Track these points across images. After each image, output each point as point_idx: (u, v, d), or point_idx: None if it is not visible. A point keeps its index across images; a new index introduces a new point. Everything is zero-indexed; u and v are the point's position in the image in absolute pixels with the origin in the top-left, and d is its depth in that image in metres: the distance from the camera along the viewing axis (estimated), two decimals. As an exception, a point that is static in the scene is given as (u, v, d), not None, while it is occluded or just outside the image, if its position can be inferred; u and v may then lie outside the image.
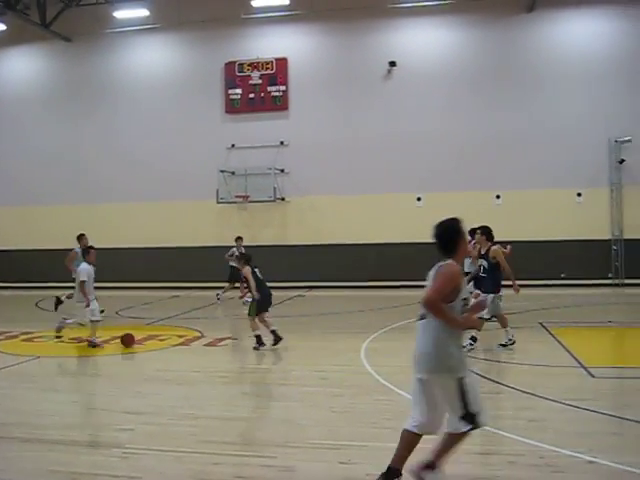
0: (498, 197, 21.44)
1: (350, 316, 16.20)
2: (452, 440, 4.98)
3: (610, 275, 20.58)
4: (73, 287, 15.41)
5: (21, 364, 10.40)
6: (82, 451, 6.16)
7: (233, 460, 5.86)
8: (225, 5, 22.55)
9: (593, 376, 8.76)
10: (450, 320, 4.82)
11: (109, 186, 23.67)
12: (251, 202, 22.30)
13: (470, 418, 4.83)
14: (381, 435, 6.45)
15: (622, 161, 20.65)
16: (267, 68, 23.00)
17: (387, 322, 13.81)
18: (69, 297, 15.40)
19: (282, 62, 22.88)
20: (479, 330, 10.38)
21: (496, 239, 11.60)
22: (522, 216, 20.47)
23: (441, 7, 21.71)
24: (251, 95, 23.09)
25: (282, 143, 22.70)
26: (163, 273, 22.76)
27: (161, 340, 12.45)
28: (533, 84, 21.26)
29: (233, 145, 22.98)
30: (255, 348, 11.11)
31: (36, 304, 19.31)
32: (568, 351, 10.39)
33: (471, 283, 11.89)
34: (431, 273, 5.06)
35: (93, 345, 11.54)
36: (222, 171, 22.36)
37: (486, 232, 11.42)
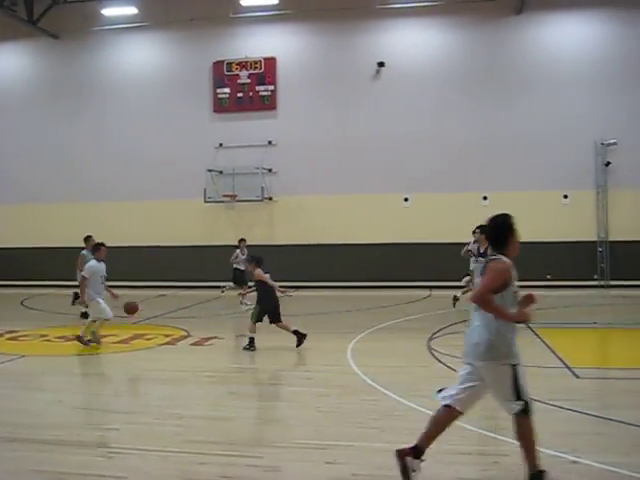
0: (485, 198, 21.52)
1: (337, 316, 16.22)
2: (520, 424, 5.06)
3: (595, 276, 20.72)
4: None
5: (6, 363, 10.34)
6: (68, 451, 6.13)
7: (219, 460, 5.86)
8: (214, 4, 22.50)
9: (578, 377, 8.82)
10: (500, 313, 4.93)
11: (95, 185, 23.56)
12: (239, 201, 22.29)
13: (521, 404, 4.98)
14: (367, 435, 6.46)
15: (608, 163, 20.82)
16: (255, 67, 22.98)
17: (374, 322, 13.84)
18: (82, 303, 15.37)
19: (271, 62, 22.87)
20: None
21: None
22: (509, 217, 20.55)
23: (430, 8, 21.76)
24: (239, 94, 23.07)
25: (270, 143, 22.69)
26: (149, 272, 22.67)
27: (147, 339, 12.42)
28: (521, 86, 21.37)
29: (221, 144, 22.94)
30: (245, 348, 11.08)
31: (21, 302, 19.17)
32: (553, 352, 10.45)
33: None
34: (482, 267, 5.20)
35: (82, 342, 11.39)
36: (210, 170, 22.34)
37: (485, 230, 11.48)
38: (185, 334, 12.90)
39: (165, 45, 23.81)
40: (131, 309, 11.98)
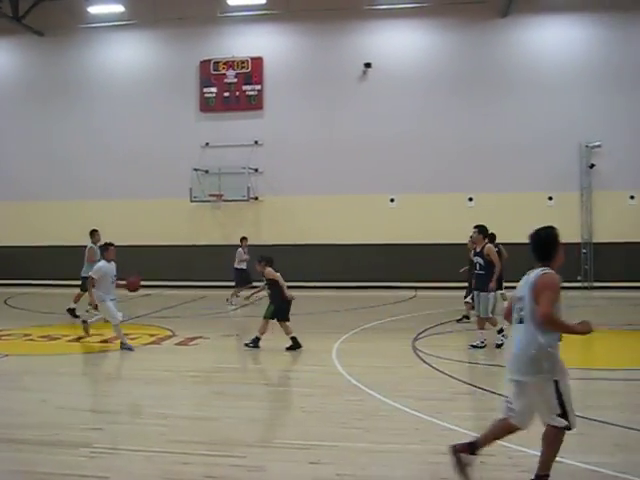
0: (471, 199, 21.63)
1: (323, 316, 16.23)
2: (551, 436, 5.06)
3: (579, 278, 20.85)
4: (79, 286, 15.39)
5: (-12, 362, 10.26)
6: (49, 451, 6.09)
7: (203, 460, 5.84)
8: (201, 3, 22.43)
9: (561, 377, 8.86)
10: (566, 328, 4.95)
11: (81, 183, 23.41)
12: (224, 201, 22.24)
13: (566, 418, 4.96)
14: (351, 435, 6.47)
15: (592, 166, 20.97)
16: (242, 67, 22.95)
17: (359, 323, 13.86)
18: (76, 300, 15.29)
19: (258, 61, 22.84)
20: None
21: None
22: (494, 218, 20.48)
23: (417, 10, 21.82)
24: (226, 94, 23.02)
25: (256, 142, 22.66)
26: (134, 271, 22.47)
27: (132, 339, 12.32)
28: (506, 89, 21.49)
29: (207, 144, 22.88)
30: (247, 345, 10.99)
31: (5, 301, 19.02)
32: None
33: None
34: (528, 279, 5.10)
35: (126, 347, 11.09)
36: (196, 170, 22.27)
37: (482, 231, 11.62)
38: (170, 334, 12.85)
39: (152, 44, 23.71)
40: (132, 285, 11.64)
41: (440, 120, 21.68)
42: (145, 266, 22.56)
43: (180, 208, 22.61)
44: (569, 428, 5.00)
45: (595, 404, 7.85)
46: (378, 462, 5.78)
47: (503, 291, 14.85)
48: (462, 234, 20.69)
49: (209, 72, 23.07)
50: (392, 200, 22.10)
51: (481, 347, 10.96)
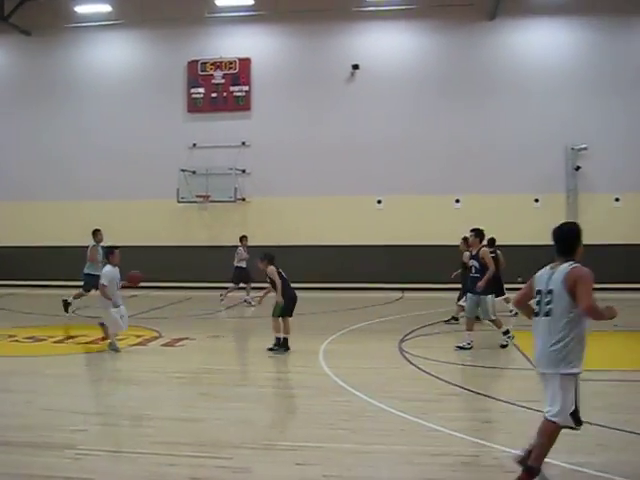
0: (457, 201, 21.72)
1: (310, 317, 16.20)
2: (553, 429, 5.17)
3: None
4: (79, 286, 15.26)
5: (-28, 363, 10.19)
6: (34, 452, 6.04)
7: (188, 461, 5.82)
8: (188, 3, 22.39)
9: (546, 378, 8.91)
10: (603, 317, 5.05)
11: (67, 183, 23.31)
12: (212, 202, 22.19)
13: (576, 415, 5.14)
14: (337, 436, 6.48)
15: (578, 168, 21.12)
16: (230, 68, 22.93)
17: (346, 324, 13.86)
18: (76, 297, 15.16)
19: (245, 62, 22.83)
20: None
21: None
22: (481, 220, 20.43)
23: (405, 12, 21.88)
24: (213, 94, 22.99)
25: (244, 143, 22.64)
26: (121, 272, 22.39)
27: (118, 340, 12.23)
28: (494, 91, 21.60)
29: (195, 144, 22.83)
30: (270, 349, 10.80)
31: (-11, 302, 18.91)
32: (522, 353, 10.55)
33: None
34: (553, 273, 5.18)
35: (114, 349, 10.91)
36: (183, 170, 22.22)
37: (478, 234, 11.68)
38: (157, 335, 12.80)
39: (139, 44, 23.65)
40: (132, 279, 11.38)
41: (427, 122, 21.75)
42: (131, 267, 22.50)
43: (167, 209, 22.54)
44: (578, 427, 5.19)
45: (582, 405, 7.89)
46: (364, 463, 5.80)
47: (507, 295, 14.99)
48: (449, 236, 20.82)
49: (197, 73, 23.03)
50: (379, 202, 22.15)
51: (467, 349, 11.00)
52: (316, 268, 21.55)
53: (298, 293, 11.10)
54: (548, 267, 5.27)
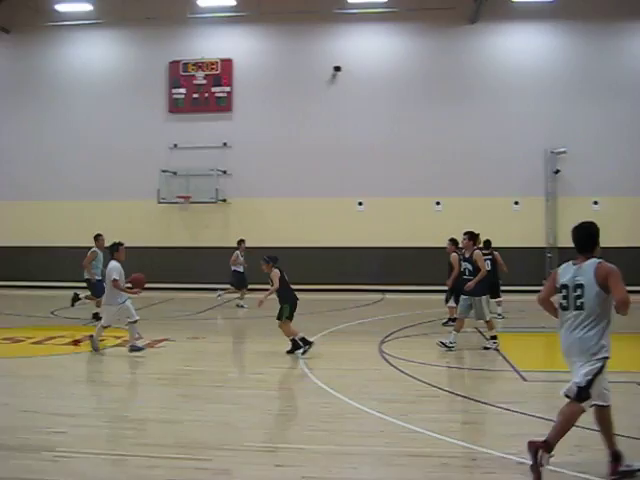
0: (438, 204, 21.82)
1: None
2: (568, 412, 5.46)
3: (544, 282, 21.06)
4: (83, 287, 15.14)
5: (-51, 365, 10.07)
6: (12, 455, 5.99)
7: (168, 463, 5.80)
8: (170, 3, 22.28)
9: (525, 380, 9.00)
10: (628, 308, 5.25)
11: (46, 183, 23.10)
12: (192, 203, 22.11)
13: (583, 393, 5.33)
14: (317, 438, 6.48)
15: (557, 171, 21.32)
16: (212, 69, 22.87)
17: (327, 325, 13.88)
18: (88, 298, 15.02)
19: (227, 63, 22.78)
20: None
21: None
22: (461, 222, 20.58)
23: (386, 15, 21.95)
24: (195, 95, 22.91)
25: (225, 144, 22.59)
26: (102, 273, 22.29)
27: (98, 341, 12.19)
28: (475, 94, 21.74)
29: (176, 145, 22.74)
30: (303, 352, 10.60)
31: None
32: (503, 356, 10.64)
33: None
34: (579, 268, 5.51)
35: (137, 349, 10.80)
36: (164, 171, 22.13)
37: (472, 237, 11.74)
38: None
39: (120, 43, 23.51)
40: (136, 282, 11.13)
41: (408, 125, 21.85)
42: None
43: (147, 210, 22.42)
44: (580, 402, 5.40)
45: (558, 406, 7.92)
46: (344, 464, 5.81)
47: (501, 298, 15.12)
48: (429, 238, 20.96)
49: (178, 73, 22.95)
50: (360, 203, 22.20)
51: (449, 347, 11.05)
52: (296, 270, 21.29)
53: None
54: (570, 263, 5.62)
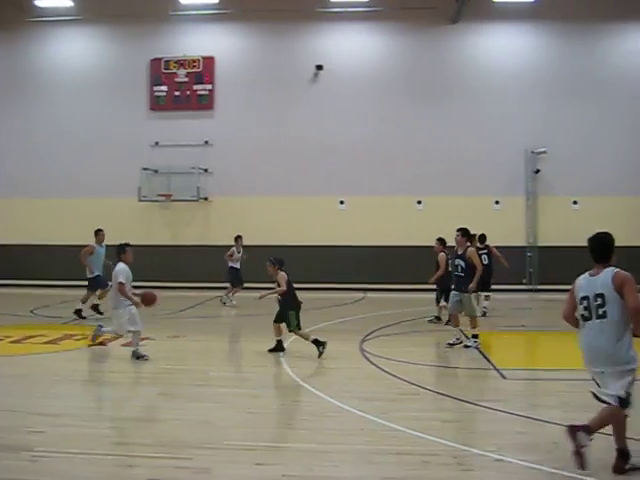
0: (419, 202, 21.90)
1: (271, 318, 16.18)
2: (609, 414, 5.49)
3: (524, 281, 21.28)
4: (84, 286, 15.06)
5: None
6: (-11, 454, 5.95)
7: (148, 462, 5.78)
8: (152, 0, 22.16)
9: (505, 378, 9.06)
10: None
11: (27, 181, 22.85)
12: (174, 201, 22.03)
13: (624, 402, 5.42)
14: (298, 436, 6.50)
15: (537, 171, 21.49)
16: (194, 66, 22.77)
17: (307, 324, 13.74)
18: (83, 302, 14.94)
19: (209, 61, 22.70)
20: None
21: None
22: (442, 221, 20.80)
23: (368, 14, 22.01)
24: (177, 93, 22.81)
25: (207, 142, 22.52)
26: (81, 271, 22.09)
27: (77, 340, 12.14)
28: (456, 94, 21.85)
29: (157, 143, 22.62)
30: (320, 353, 10.39)
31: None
32: (482, 354, 10.70)
33: None
34: (598, 279, 5.55)
35: (141, 357, 10.27)
36: (145, 169, 22.02)
37: (465, 233, 11.80)
38: (117, 335, 12.63)
39: (101, 40, 23.33)
40: (148, 299, 10.72)
41: (390, 123, 21.89)
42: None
43: (128, 207, 22.27)
44: (624, 408, 5.47)
45: (536, 403, 8.06)
46: (324, 463, 5.82)
47: (489, 293, 15.23)
48: (411, 237, 21.06)
49: (160, 70, 22.83)
50: (342, 202, 22.23)
51: (457, 344, 11.25)
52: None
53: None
54: (587, 274, 5.68)
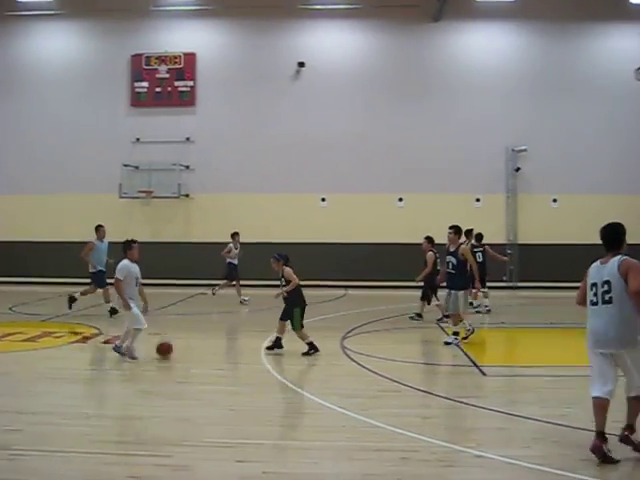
0: (401, 200, 21.96)
1: (252, 315, 16.22)
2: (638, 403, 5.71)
3: (504, 278, 21.39)
4: (88, 283, 14.92)
5: None
6: (-35, 453, 5.88)
7: (126, 460, 5.75)
8: (133, -5, 22.03)
9: (485, 374, 9.12)
10: None
11: (6, 177, 22.62)
12: (154, 198, 21.91)
13: None
14: (278, 433, 6.50)
15: (518, 169, 21.64)
16: (175, 62, 22.65)
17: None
18: (83, 294, 14.81)
19: (190, 57, 22.59)
20: None
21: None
22: (423, 219, 20.96)
23: (351, 11, 22.01)
24: (158, 89, 22.68)
25: (188, 139, 22.41)
26: (61, 268, 21.93)
27: (56, 337, 12.04)
28: (438, 91, 21.92)
29: (138, 139, 22.47)
30: (308, 353, 10.34)
31: None
32: (462, 351, 10.75)
33: None
34: (607, 266, 5.77)
35: (123, 354, 10.02)
36: (126, 165, 21.87)
37: (458, 231, 11.85)
38: (97, 332, 12.59)
39: (82, 35, 23.11)
40: (165, 350, 10.15)
41: (371, 121, 21.92)
42: (70, 263, 22.01)
43: (109, 204, 22.08)
44: None
45: (516, 400, 8.11)
46: (304, 459, 5.82)
47: (486, 290, 15.36)
48: (392, 234, 21.11)
49: (141, 66, 22.68)
50: (323, 199, 22.23)
51: (472, 334, 11.35)
52: (259, 265, 21.32)
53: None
54: (598, 262, 5.92)
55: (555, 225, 21.22)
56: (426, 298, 14.22)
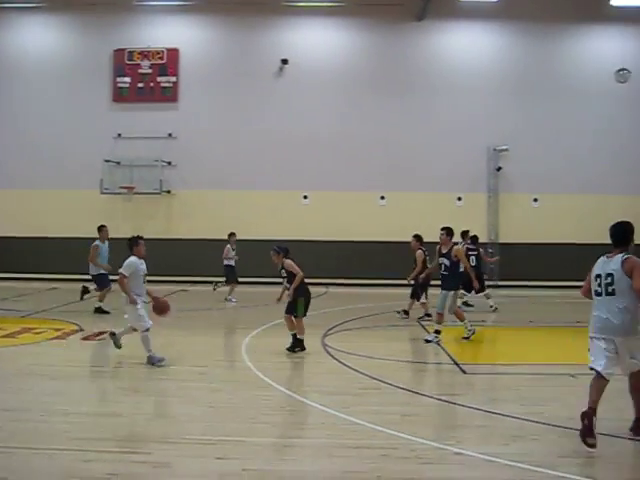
0: (382, 198, 22.01)
1: (233, 311, 16.21)
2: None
3: (485, 277, 21.48)
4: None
5: None
6: (-57, 450, 5.83)
7: (106, 457, 5.73)
8: (116, -10, 21.88)
9: (465, 372, 9.17)
10: None
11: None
12: (136, 194, 21.78)
13: None
14: (258, 430, 6.49)
15: (499, 169, 21.78)
16: (158, 58, 22.52)
17: (270, 318, 13.83)
18: (101, 300, 14.64)
19: (173, 53, 22.47)
20: None
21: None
22: (404, 217, 21.05)
23: (334, 9, 22.02)
24: (140, 84, 22.53)
25: (170, 135, 22.30)
26: (41, 264, 21.78)
27: (36, 333, 11.95)
28: (420, 90, 22.00)
29: (120, 135, 22.33)
30: (290, 350, 10.33)
31: None
32: (443, 349, 10.81)
33: None
34: (611, 261, 6.14)
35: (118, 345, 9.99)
36: (107, 161, 21.73)
37: (449, 232, 11.90)
38: (76, 328, 12.51)
39: (63, 29, 22.91)
40: (161, 308, 10.13)
41: (354, 119, 21.95)
42: (51, 259, 21.91)
43: (90, 200, 21.95)
44: None
45: (495, 397, 8.17)
46: (284, 457, 5.84)
47: (487, 291, 15.59)
48: (373, 232, 21.17)
49: (123, 61, 22.52)
50: (305, 197, 22.24)
51: (473, 333, 11.49)
52: (240, 262, 21.44)
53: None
54: (604, 257, 6.28)
55: (536, 224, 21.40)
56: (415, 296, 14.29)
